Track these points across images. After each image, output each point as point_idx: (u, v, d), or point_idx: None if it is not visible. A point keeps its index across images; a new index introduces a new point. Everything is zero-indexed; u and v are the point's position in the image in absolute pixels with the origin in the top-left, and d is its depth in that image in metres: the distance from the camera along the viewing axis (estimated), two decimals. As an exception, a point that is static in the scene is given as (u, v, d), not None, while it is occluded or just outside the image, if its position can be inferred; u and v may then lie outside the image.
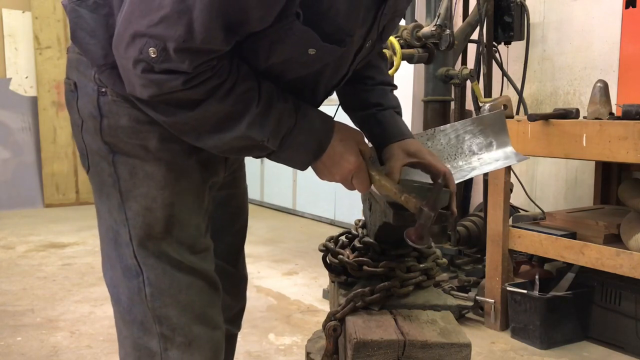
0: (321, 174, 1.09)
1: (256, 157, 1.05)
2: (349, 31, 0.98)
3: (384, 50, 1.37)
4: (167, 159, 1.03)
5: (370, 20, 1.02)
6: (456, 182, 1.24)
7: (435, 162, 1.14)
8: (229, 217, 1.35)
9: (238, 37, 0.91)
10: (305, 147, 1.04)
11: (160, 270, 1.07)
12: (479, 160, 1.35)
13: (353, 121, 1.26)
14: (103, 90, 1.02)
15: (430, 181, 1.16)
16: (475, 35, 3.09)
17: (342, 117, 1.18)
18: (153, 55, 0.87)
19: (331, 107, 1.31)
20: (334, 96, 1.26)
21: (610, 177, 3.04)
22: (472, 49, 3.22)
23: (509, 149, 1.36)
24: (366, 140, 1.15)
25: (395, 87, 1.30)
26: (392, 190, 1.09)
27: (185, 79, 0.89)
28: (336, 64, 1.06)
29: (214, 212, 1.28)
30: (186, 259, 1.08)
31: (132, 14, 0.88)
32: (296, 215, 5.33)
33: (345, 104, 1.28)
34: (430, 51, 2.80)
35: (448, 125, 1.37)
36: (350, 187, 1.11)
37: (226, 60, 0.93)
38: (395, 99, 1.27)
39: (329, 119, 1.08)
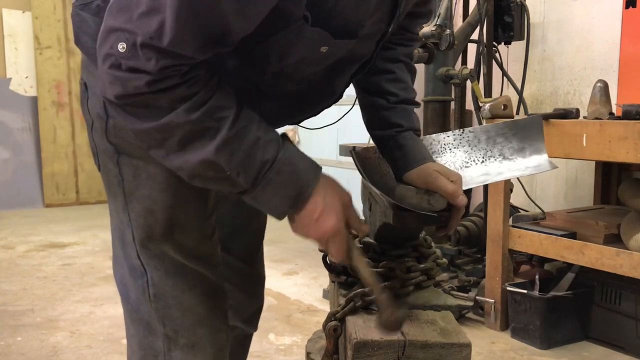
0: (295, 229, 1.00)
1: (228, 193, 0.96)
2: (359, 21, 0.95)
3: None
4: None
5: (389, 3, 0.99)
6: (480, 184, 1.22)
7: (450, 191, 1.10)
8: (246, 216, 1.34)
9: (221, 47, 0.87)
10: (283, 192, 0.93)
11: (162, 272, 1.07)
12: (508, 166, 1.28)
13: (371, 136, 1.24)
14: None
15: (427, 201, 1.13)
16: (475, 35, 3.09)
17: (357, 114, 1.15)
18: (122, 50, 0.84)
19: (345, 106, 1.28)
20: (345, 97, 1.24)
21: (610, 177, 3.03)
22: (472, 49, 3.22)
23: (543, 157, 1.27)
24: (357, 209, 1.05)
25: (418, 104, 1.25)
26: (367, 279, 1.03)
27: (149, 80, 0.84)
28: (354, 53, 1.02)
29: (230, 211, 1.27)
30: (189, 262, 1.08)
31: (111, 10, 0.86)
32: (296, 215, 5.31)
33: (365, 118, 1.25)
34: (430, 51, 2.80)
35: (478, 126, 1.31)
36: (325, 248, 1.02)
37: (202, 72, 0.88)
38: (417, 118, 1.23)
39: (317, 167, 0.98)
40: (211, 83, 0.89)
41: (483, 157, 1.30)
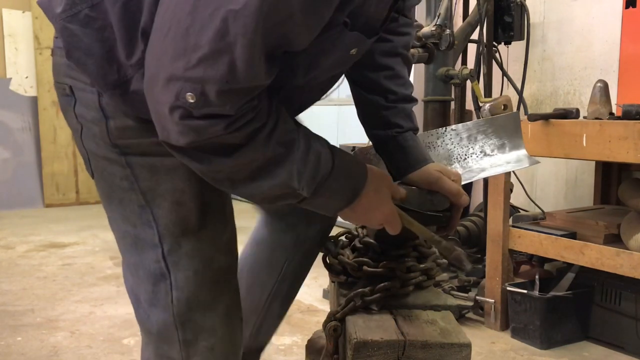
0: (349, 219, 1.04)
1: (286, 204, 0.98)
2: (380, 16, 0.93)
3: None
4: None
5: None
6: (464, 182, 1.23)
7: (453, 192, 1.13)
8: None
9: (280, 63, 0.83)
10: (339, 195, 0.97)
11: (191, 272, 1.03)
12: (489, 162, 1.32)
13: (368, 135, 1.23)
14: None
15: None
16: (475, 35, 3.09)
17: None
18: (191, 101, 0.78)
19: (333, 107, 1.28)
20: (333, 96, 1.24)
21: (610, 177, 3.03)
22: (472, 49, 3.22)
23: (522, 152, 1.33)
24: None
25: (416, 101, 1.25)
26: (428, 234, 1.10)
27: (228, 123, 0.80)
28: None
29: None
30: (218, 252, 1.05)
31: (164, 54, 0.79)
32: (296, 215, 5.31)
33: (362, 117, 1.24)
34: (430, 51, 2.80)
35: (460, 124, 1.35)
36: (381, 227, 1.07)
37: (265, 100, 0.85)
38: (415, 117, 1.23)
39: (362, 163, 1.01)
40: (273, 109, 0.87)
41: (465, 155, 1.33)
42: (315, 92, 1.08)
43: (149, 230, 1.02)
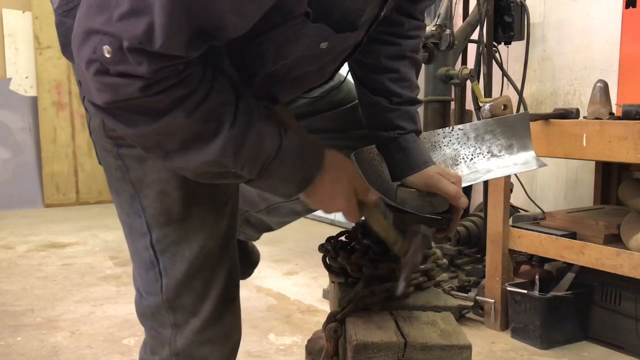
0: (307, 203, 1.04)
1: (232, 183, 0.97)
2: (359, 10, 0.91)
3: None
4: None
5: None
6: (470, 183, 1.22)
7: (452, 194, 1.12)
8: None
9: (214, 42, 0.81)
10: (287, 181, 0.95)
11: (179, 259, 1.05)
12: (496, 163, 1.29)
13: (370, 136, 1.23)
14: None
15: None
16: (475, 35, 3.09)
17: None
18: (107, 55, 0.76)
19: None
20: None
21: (610, 177, 3.03)
22: (472, 49, 3.22)
23: (530, 154, 1.30)
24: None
25: (421, 103, 1.24)
26: (388, 234, 1.10)
27: (144, 84, 0.78)
28: (348, 42, 0.99)
29: None
30: (207, 239, 1.06)
31: (88, 10, 0.79)
32: (296, 215, 5.31)
33: (365, 117, 1.24)
34: (430, 51, 2.80)
35: (468, 124, 1.32)
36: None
37: (198, 67, 0.83)
38: (418, 119, 1.23)
39: (319, 149, 0.98)
40: (207, 77, 0.84)
41: (472, 155, 1.31)
42: (296, 86, 1.08)
43: (138, 220, 1.06)
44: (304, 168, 0.96)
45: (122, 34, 0.75)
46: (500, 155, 1.30)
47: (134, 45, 0.75)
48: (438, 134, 1.31)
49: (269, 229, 1.59)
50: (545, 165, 1.33)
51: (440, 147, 1.30)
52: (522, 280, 2.60)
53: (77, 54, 0.81)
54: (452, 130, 1.31)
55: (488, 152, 1.30)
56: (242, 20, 0.80)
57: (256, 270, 3.66)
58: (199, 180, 0.94)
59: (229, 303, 1.12)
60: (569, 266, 2.53)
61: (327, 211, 1.07)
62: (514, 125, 1.31)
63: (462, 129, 1.31)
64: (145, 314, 1.12)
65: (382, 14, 1.01)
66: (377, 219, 1.10)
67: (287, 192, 0.98)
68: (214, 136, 0.85)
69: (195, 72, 0.83)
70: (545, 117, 2.41)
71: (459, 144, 1.31)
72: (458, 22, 3.27)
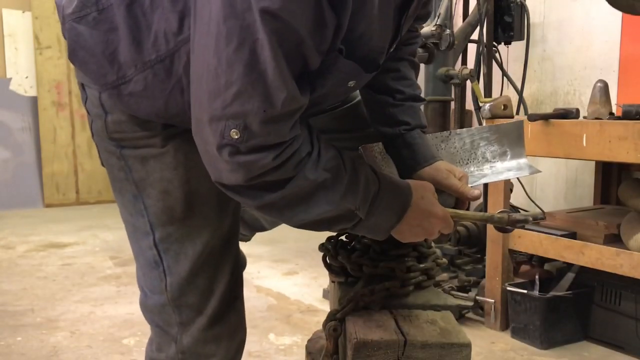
0: (404, 235, 1.06)
1: (337, 230, 1.02)
2: (381, 49, 0.97)
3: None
4: (173, 140, 1.02)
5: (396, 25, 1.01)
6: None
7: (462, 190, 1.15)
8: None
9: (306, 83, 0.87)
10: (390, 210, 1.00)
11: (182, 258, 1.07)
12: (491, 169, 1.33)
13: (376, 133, 1.25)
14: None
15: None
16: (475, 35, 3.09)
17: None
18: (236, 137, 0.82)
19: None
20: None
21: (610, 177, 3.03)
22: (472, 49, 3.22)
23: (523, 161, 1.34)
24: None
25: (424, 100, 1.28)
26: (480, 217, 1.12)
27: (276, 154, 0.84)
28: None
29: None
30: (210, 238, 1.07)
31: (202, 98, 0.84)
32: (296, 215, 5.30)
33: (370, 115, 1.26)
34: (430, 51, 2.80)
35: (465, 129, 1.36)
36: (435, 236, 1.08)
37: (306, 130, 0.90)
38: (423, 115, 1.25)
39: (405, 181, 1.05)
40: (314, 136, 0.91)
41: (467, 160, 1.34)
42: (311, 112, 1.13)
43: (141, 219, 1.07)
44: (400, 196, 1.01)
45: (245, 111, 0.80)
46: (493, 161, 1.34)
47: (262, 118, 0.81)
48: (436, 137, 1.33)
49: (263, 228, 1.60)
50: (540, 171, 1.38)
51: (439, 150, 1.33)
52: (522, 280, 2.60)
53: (205, 141, 0.86)
54: (449, 134, 1.36)
55: (482, 158, 1.35)
56: (318, 57, 0.85)
57: (256, 270, 3.67)
58: (312, 230, 0.98)
59: (233, 301, 1.13)
60: (569, 266, 2.53)
61: (430, 232, 1.05)
62: (508, 133, 1.35)
63: (459, 134, 1.35)
64: (151, 312, 1.13)
65: (391, 49, 1.06)
66: (463, 214, 1.12)
67: (389, 224, 1.01)
68: (334, 185, 0.91)
69: (307, 135, 0.90)
70: (545, 117, 2.41)
71: (455, 148, 1.34)
72: (458, 22, 3.28)
